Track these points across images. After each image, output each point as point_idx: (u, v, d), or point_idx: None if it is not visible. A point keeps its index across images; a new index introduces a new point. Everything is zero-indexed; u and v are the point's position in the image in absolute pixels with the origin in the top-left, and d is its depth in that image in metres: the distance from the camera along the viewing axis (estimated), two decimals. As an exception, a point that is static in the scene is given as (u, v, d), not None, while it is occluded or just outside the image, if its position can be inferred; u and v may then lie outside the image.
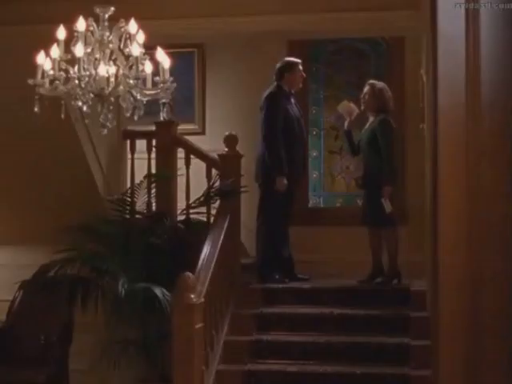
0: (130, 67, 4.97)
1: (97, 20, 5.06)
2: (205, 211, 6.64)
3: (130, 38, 4.98)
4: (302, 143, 7.06)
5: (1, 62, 6.64)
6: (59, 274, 5.93)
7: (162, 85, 4.98)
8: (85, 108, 4.97)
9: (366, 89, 6.94)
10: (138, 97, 4.97)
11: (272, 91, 6.92)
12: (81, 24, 4.93)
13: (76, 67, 4.89)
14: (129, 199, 6.47)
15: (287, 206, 6.92)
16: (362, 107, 7.02)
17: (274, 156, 6.79)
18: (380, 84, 6.96)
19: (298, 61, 7.08)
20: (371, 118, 6.95)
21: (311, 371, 5.91)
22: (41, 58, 4.90)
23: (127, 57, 5.01)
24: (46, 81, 4.90)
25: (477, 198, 3.69)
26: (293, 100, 7.06)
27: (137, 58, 4.89)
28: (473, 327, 3.69)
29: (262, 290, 6.65)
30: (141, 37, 4.97)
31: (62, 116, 4.93)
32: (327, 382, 5.87)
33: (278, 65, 7.01)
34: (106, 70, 4.92)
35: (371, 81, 7.05)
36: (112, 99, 4.95)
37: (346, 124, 7.09)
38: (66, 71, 4.92)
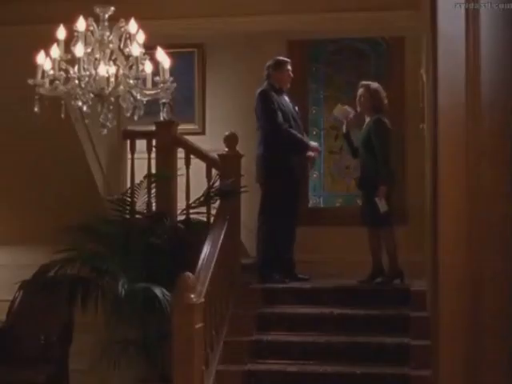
0: (130, 67, 4.97)
1: (97, 20, 5.06)
2: (205, 211, 6.64)
3: (130, 37, 4.98)
4: None
5: (1, 61, 6.64)
6: (59, 274, 5.93)
7: (162, 85, 4.98)
8: (85, 108, 4.97)
9: (361, 90, 6.95)
10: (138, 97, 4.97)
11: (263, 89, 6.96)
12: (81, 24, 4.93)
13: (76, 67, 4.89)
14: (129, 199, 6.47)
15: (291, 205, 6.91)
16: (359, 109, 7.02)
17: (291, 139, 6.83)
18: (374, 84, 6.97)
19: (287, 60, 7.14)
20: (367, 119, 6.95)
21: (311, 371, 5.91)
22: (41, 58, 4.90)
23: (127, 57, 5.01)
24: (46, 81, 4.90)
25: (477, 198, 3.69)
26: (286, 98, 7.08)
27: (137, 57, 4.89)
28: (473, 327, 3.69)
29: (262, 290, 6.65)
30: (141, 37, 4.97)
31: (62, 116, 4.93)
32: (327, 382, 5.86)
33: (268, 63, 7.06)
34: (106, 69, 4.92)
35: (364, 82, 7.06)
36: (112, 99, 4.95)
37: (343, 127, 7.11)
38: (66, 71, 4.92)
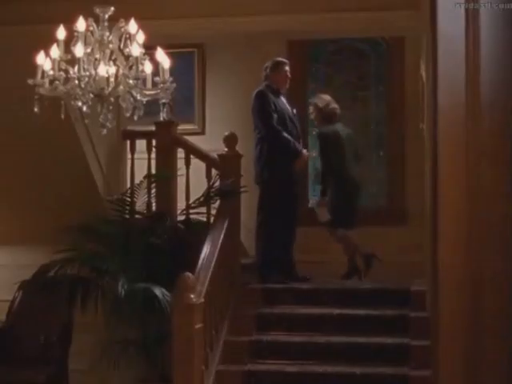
0: (130, 67, 4.97)
1: (97, 20, 5.06)
2: (205, 211, 6.64)
3: (130, 38, 4.99)
4: (297, 141, 7.05)
5: (1, 61, 6.64)
6: (59, 274, 5.94)
7: (161, 85, 4.99)
8: (84, 108, 4.97)
9: (310, 108, 7.30)
10: (138, 97, 4.97)
11: (260, 89, 6.96)
12: (81, 24, 4.94)
13: (76, 67, 4.90)
14: (129, 199, 6.47)
15: (289, 206, 6.90)
16: (316, 123, 7.32)
17: (283, 141, 6.83)
18: (319, 99, 7.24)
19: (285, 61, 7.13)
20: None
21: (311, 371, 5.91)
22: (41, 58, 4.90)
23: (127, 57, 5.01)
24: (46, 81, 4.90)
25: (477, 198, 3.68)
26: (283, 99, 7.08)
27: (137, 58, 4.89)
28: (473, 327, 3.68)
29: (262, 290, 6.65)
30: (141, 37, 4.97)
31: (62, 116, 4.94)
32: (327, 382, 5.86)
33: (265, 64, 7.06)
34: (105, 70, 4.92)
35: (311, 99, 7.37)
36: (112, 99, 4.96)
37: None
38: (66, 71, 4.93)
